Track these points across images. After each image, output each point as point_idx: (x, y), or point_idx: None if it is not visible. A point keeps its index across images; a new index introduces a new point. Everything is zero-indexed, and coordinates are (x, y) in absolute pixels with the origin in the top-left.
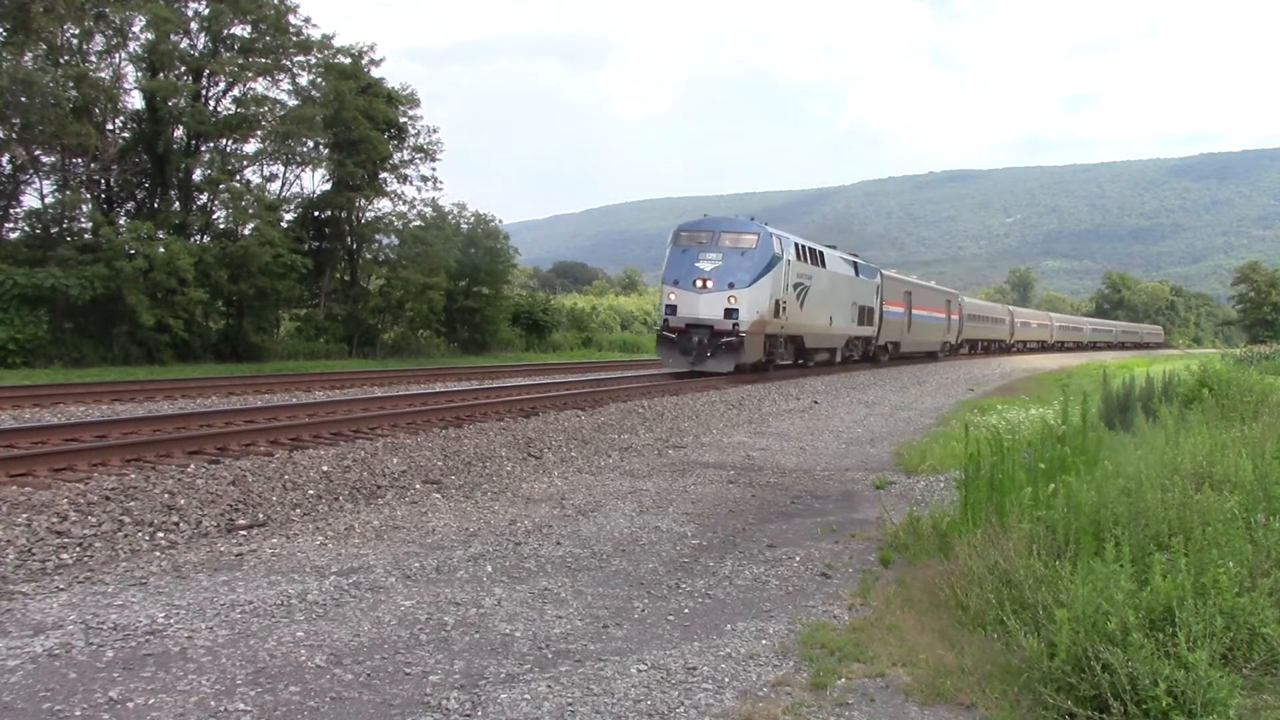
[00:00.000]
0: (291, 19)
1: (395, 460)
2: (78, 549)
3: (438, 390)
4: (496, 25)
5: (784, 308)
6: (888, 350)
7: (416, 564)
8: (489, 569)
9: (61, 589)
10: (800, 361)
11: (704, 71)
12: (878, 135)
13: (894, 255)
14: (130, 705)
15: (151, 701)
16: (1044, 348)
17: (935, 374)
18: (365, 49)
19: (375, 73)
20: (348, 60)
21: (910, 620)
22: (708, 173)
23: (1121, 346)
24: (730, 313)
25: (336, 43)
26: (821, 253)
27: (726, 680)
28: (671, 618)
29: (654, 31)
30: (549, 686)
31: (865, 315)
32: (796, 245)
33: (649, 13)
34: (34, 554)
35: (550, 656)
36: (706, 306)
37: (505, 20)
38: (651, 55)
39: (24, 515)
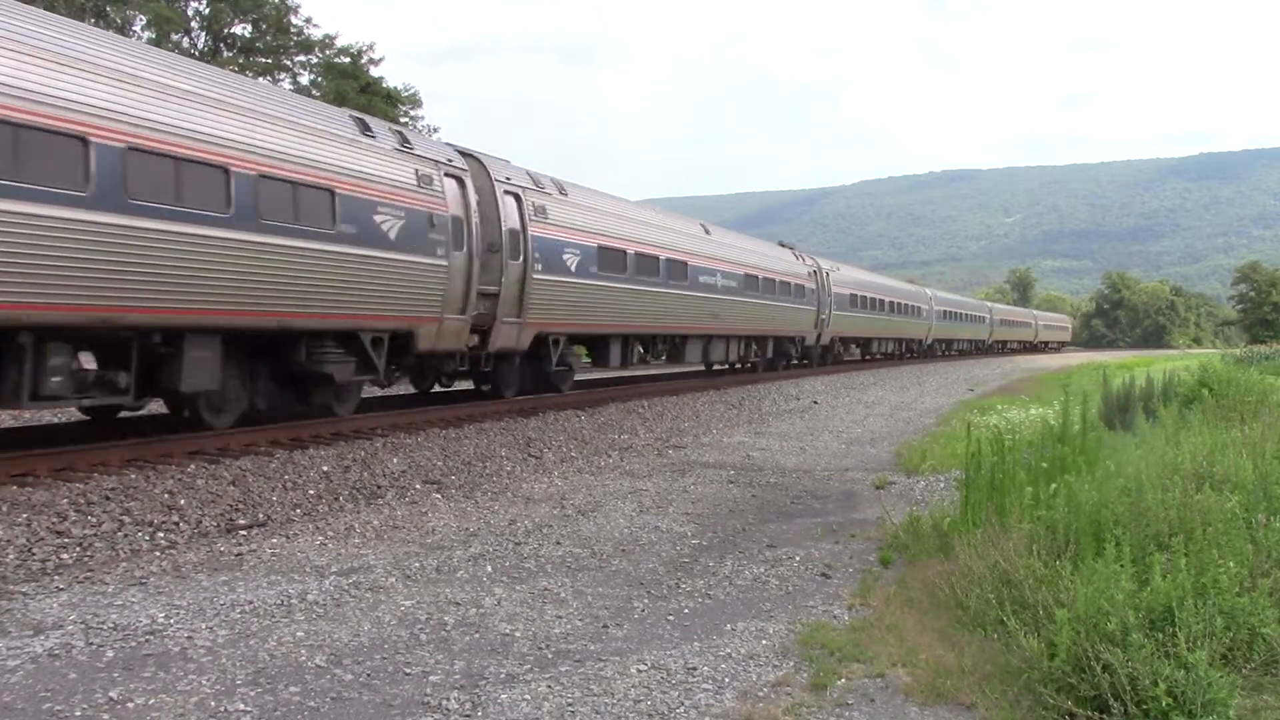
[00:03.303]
0: (293, 19)
1: (395, 460)
2: (78, 549)
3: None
4: (495, 25)
5: None
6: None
7: (416, 564)
8: (489, 569)
9: (61, 589)
10: None
11: (701, 71)
12: (876, 135)
13: (893, 255)
14: (130, 705)
15: (151, 702)
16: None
17: (935, 374)
18: (364, 48)
19: (374, 72)
20: (347, 60)
21: (910, 620)
22: (706, 173)
23: (1004, 346)
24: None
25: (338, 43)
26: None
27: (726, 680)
28: (671, 618)
29: (650, 31)
30: (549, 686)
31: None
32: None
33: (645, 12)
34: (34, 554)
35: (550, 656)
36: None
37: (504, 20)
38: (648, 55)
39: (24, 515)
